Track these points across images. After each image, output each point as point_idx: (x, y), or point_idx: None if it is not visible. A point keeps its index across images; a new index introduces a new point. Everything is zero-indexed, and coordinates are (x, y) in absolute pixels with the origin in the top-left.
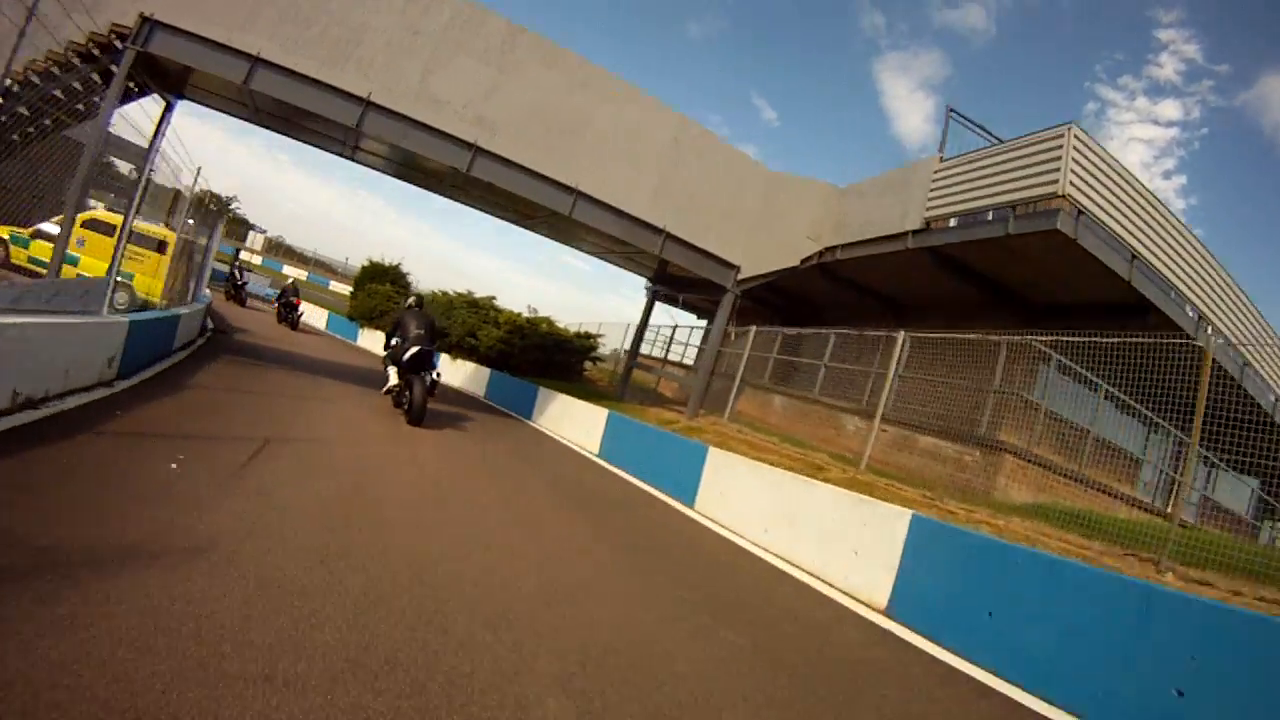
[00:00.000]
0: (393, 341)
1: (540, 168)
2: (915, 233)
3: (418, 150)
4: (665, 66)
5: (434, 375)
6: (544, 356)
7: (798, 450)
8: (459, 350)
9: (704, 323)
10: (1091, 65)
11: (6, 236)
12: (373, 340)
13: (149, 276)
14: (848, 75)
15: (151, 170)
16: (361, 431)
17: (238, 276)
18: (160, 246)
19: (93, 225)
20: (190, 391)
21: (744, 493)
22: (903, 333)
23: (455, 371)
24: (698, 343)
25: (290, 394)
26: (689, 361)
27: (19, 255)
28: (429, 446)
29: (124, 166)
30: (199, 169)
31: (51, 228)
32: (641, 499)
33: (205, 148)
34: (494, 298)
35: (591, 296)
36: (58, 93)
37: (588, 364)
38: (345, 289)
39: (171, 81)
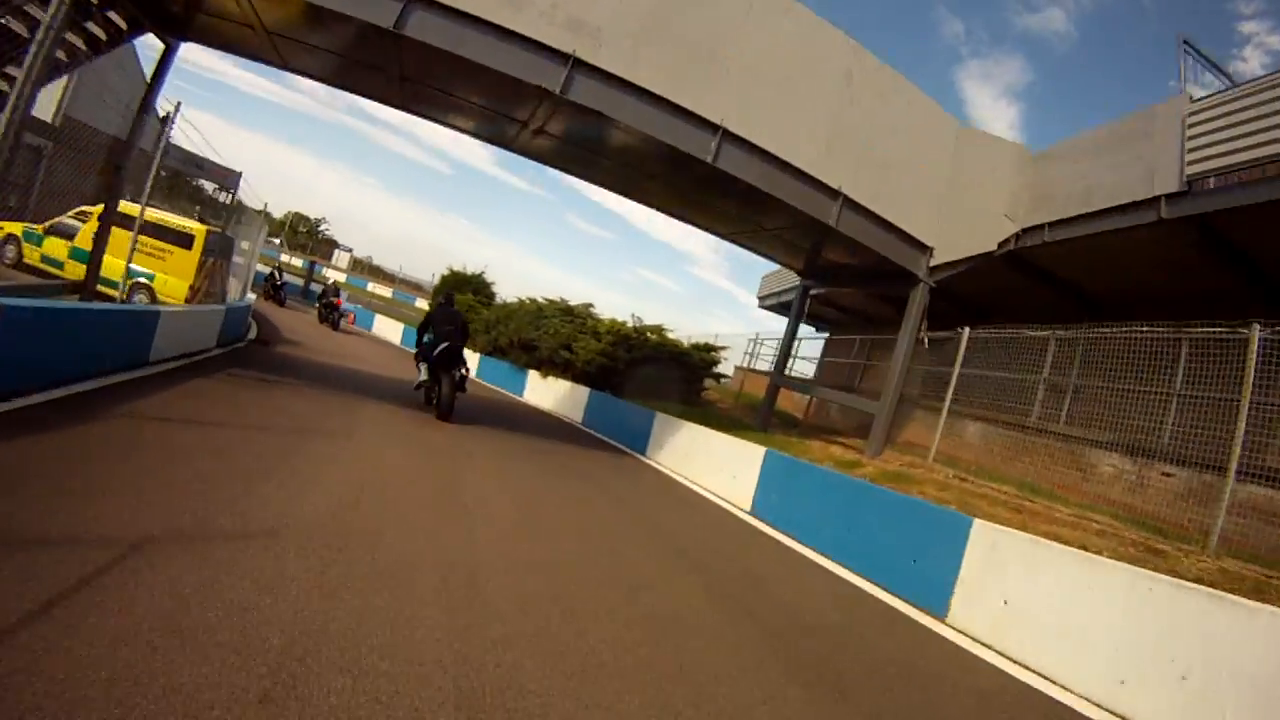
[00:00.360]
0: (425, 339)
1: (668, 93)
2: (1171, 197)
3: (486, 61)
4: None
5: (462, 371)
6: (656, 373)
7: (1073, 513)
8: (550, 366)
9: (822, 333)
10: (1174, 62)
11: (19, 233)
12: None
13: (175, 276)
14: (933, 87)
15: (169, 136)
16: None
17: (276, 278)
18: (186, 241)
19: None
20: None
21: (1060, 604)
22: (1256, 328)
23: (545, 391)
24: (814, 355)
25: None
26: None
27: (32, 254)
28: (510, 508)
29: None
30: (178, 104)
31: (72, 222)
32: (864, 614)
33: (295, 173)
34: (591, 305)
35: (683, 316)
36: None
37: (708, 383)
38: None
39: (172, 15)
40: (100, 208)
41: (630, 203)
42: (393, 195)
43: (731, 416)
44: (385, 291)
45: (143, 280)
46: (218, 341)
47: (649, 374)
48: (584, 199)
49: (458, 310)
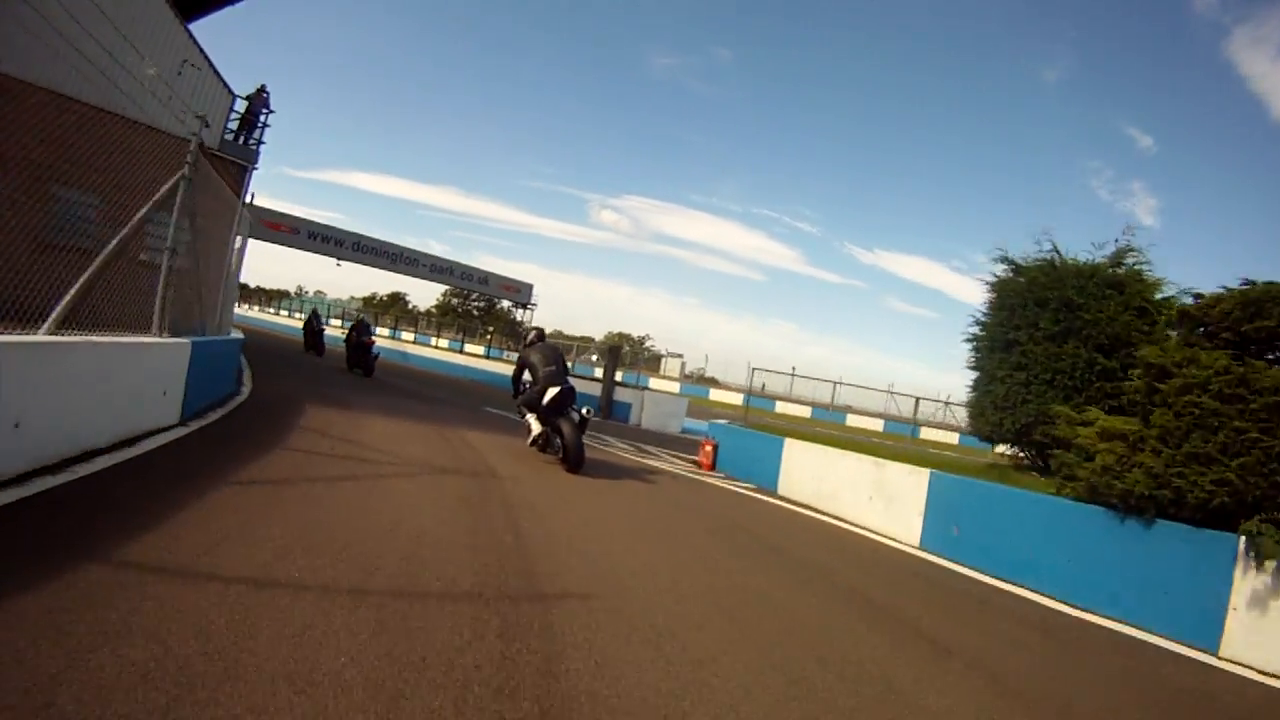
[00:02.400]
0: (523, 383)
1: None
2: None
3: None
4: (1023, 115)
5: (583, 411)
6: None
7: None
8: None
9: None
10: None
11: None
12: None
13: None
14: (1203, 69)
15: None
16: None
17: (315, 324)
18: None
19: None
20: None
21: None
22: None
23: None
24: None
25: None
26: None
27: None
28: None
29: None
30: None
31: None
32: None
33: (616, 302)
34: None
35: None
36: None
37: None
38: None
39: None
40: None
41: (949, 274)
42: (713, 309)
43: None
44: (734, 399)
45: None
46: (183, 412)
47: None
48: (899, 280)
49: (556, 346)
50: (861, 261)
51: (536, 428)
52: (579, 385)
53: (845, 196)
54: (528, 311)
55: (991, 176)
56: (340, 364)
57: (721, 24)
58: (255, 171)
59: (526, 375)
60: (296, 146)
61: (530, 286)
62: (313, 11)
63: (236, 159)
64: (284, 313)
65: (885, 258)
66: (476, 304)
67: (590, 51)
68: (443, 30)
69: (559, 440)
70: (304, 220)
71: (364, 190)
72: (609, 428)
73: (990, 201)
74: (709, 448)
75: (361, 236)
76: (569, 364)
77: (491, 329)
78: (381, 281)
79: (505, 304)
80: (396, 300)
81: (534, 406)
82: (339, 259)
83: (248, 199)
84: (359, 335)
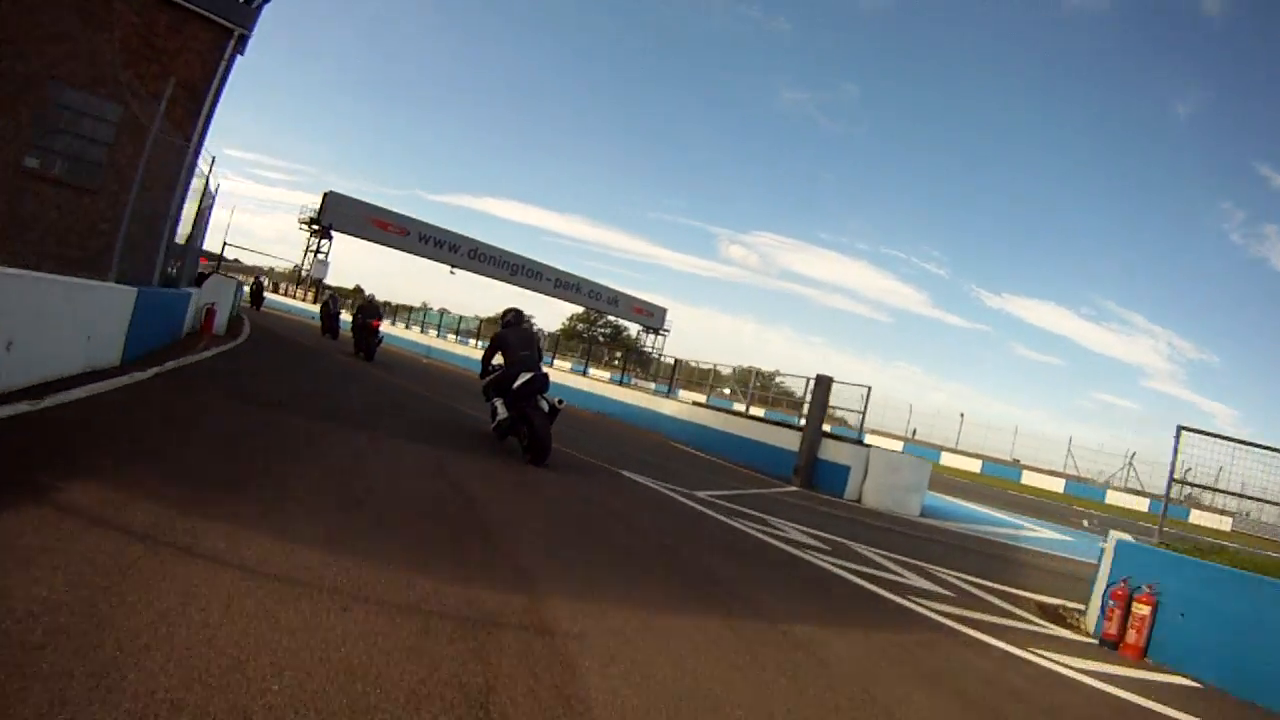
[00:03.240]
0: (493, 365)
1: None
2: None
3: None
4: (1151, 151)
5: (555, 401)
6: None
7: None
8: None
9: None
10: None
11: None
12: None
13: None
14: None
15: None
16: None
17: (331, 306)
18: None
19: None
20: None
21: None
22: None
23: None
24: None
25: None
26: None
27: None
28: None
29: None
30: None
31: None
32: None
33: (739, 331)
34: None
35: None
36: None
37: None
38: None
39: None
40: None
41: (1077, 320)
42: (838, 348)
43: None
44: (892, 445)
45: None
46: (124, 352)
47: None
48: (1027, 326)
49: (530, 330)
50: (988, 305)
51: (503, 412)
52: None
53: (973, 236)
54: (659, 338)
55: (1119, 216)
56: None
57: (850, 59)
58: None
59: (498, 358)
60: (433, 169)
61: (663, 310)
62: (451, 36)
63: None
64: (415, 328)
65: (1012, 301)
66: (602, 330)
67: (720, 84)
68: (573, 60)
69: (526, 429)
70: (415, 221)
71: (496, 216)
72: (818, 504)
73: (1118, 243)
74: (1143, 605)
75: (478, 243)
76: (542, 350)
77: (619, 355)
78: (507, 299)
79: (633, 330)
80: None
81: (503, 391)
82: (453, 266)
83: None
84: (364, 317)
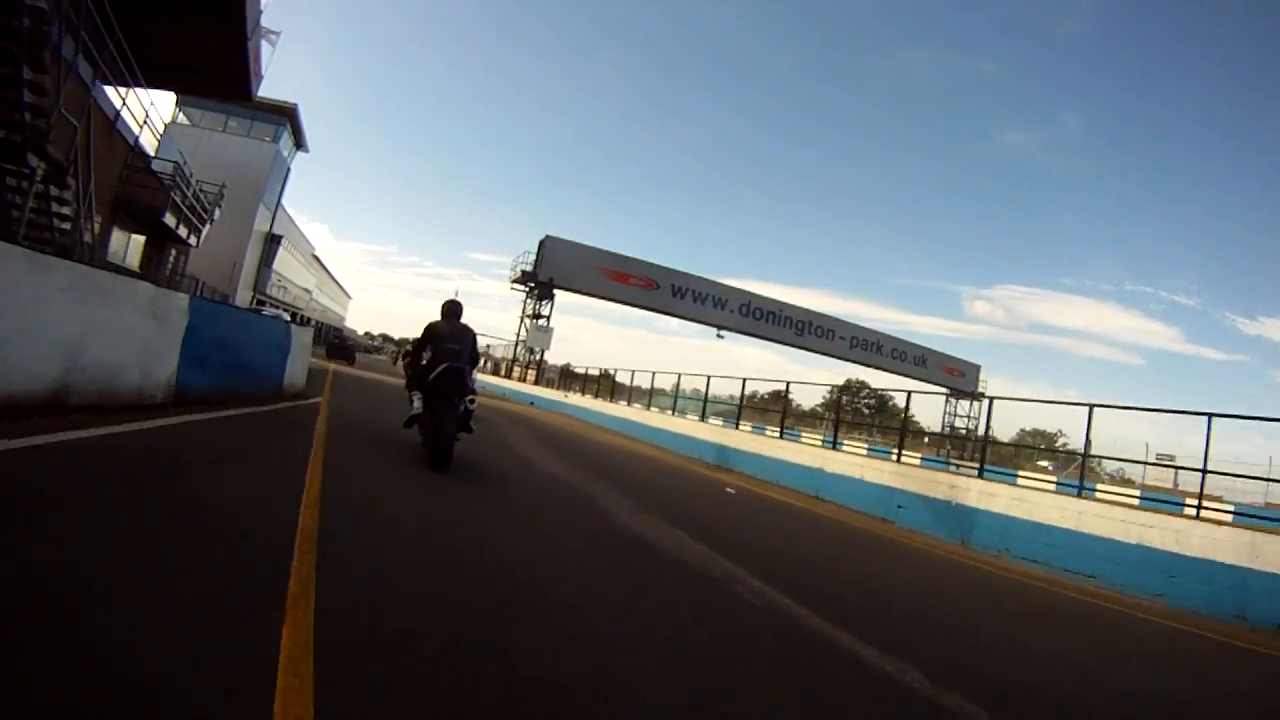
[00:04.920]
0: (423, 360)
1: None
2: None
3: None
4: None
5: (468, 403)
6: None
7: None
8: None
9: None
10: None
11: None
12: None
13: None
14: None
15: None
16: None
17: (337, 340)
18: None
19: None
20: None
21: None
22: None
23: None
24: None
25: None
26: None
27: None
28: None
29: None
30: None
31: None
32: None
33: (994, 390)
34: None
35: None
36: None
37: None
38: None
39: None
40: None
41: None
42: (1094, 398)
43: None
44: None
45: None
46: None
47: None
48: None
49: (467, 326)
50: (1244, 332)
51: (417, 406)
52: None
53: (1220, 260)
54: (969, 404)
55: None
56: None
57: (1062, 89)
58: None
59: (429, 353)
60: (663, 255)
61: (977, 368)
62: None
63: None
64: (654, 409)
65: (1271, 325)
66: (866, 401)
67: (939, 137)
68: (797, 133)
69: (433, 426)
70: (667, 270)
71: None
72: None
73: None
74: None
75: (753, 295)
76: (477, 353)
77: (887, 424)
78: (768, 368)
79: (897, 400)
80: (779, 399)
81: (420, 384)
82: (720, 328)
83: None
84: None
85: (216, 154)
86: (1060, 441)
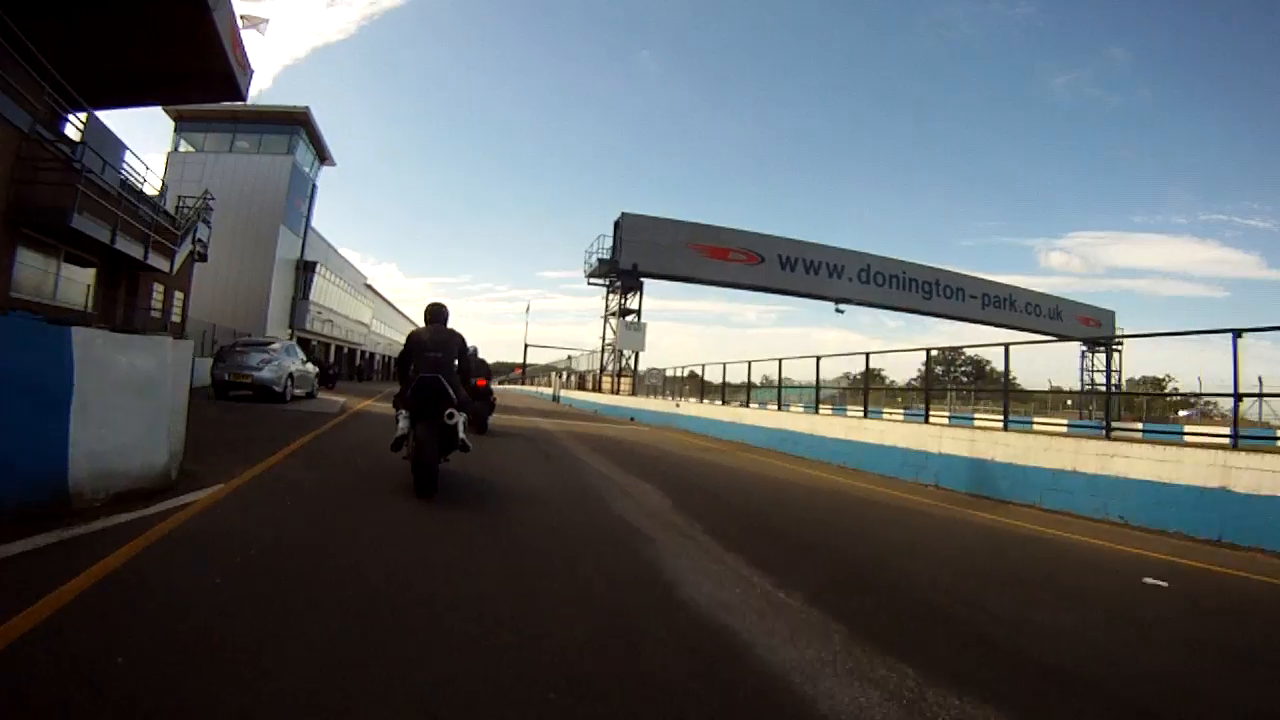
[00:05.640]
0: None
1: None
2: None
3: None
4: None
5: (446, 417)
6: None
7: None
8: None
9: None
10: None
11: None
12: None
13: None
14: None
15: None
16: None
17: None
18: None
19: None
20: None
21: None
22: None
23: None
24: None
25: None
26: None
27: None
28: None
29: None
30: None
31: None
32: None
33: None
34: None
35: None
36: None
37: None
38: None
39: None
40: None
41: None
42: (1183, 341)
43: None
44: None
45: None
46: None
47: None
48: None
49: (453, 331)
50: None
51: (403, 426)
52: None
53: None
54: (1100, 355)
55: None
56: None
57: (1104, 23)
58: None
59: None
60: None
61: (1111, 315)
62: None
63: None
64: (754, 405)
65: None
66: (964, 370)
67: (994, 86)
68: (851, 103)
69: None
70: (770, 239)
71: None
72: None
73: None
74: None
75: (871, 257)
76: (470, 357)
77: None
78: (847, 345)
79: (994, 364)
80: (872, 376)
81: (402, 400)
82: (839, 301)
83: None
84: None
85: (225, 178)
86: (1170, 386)
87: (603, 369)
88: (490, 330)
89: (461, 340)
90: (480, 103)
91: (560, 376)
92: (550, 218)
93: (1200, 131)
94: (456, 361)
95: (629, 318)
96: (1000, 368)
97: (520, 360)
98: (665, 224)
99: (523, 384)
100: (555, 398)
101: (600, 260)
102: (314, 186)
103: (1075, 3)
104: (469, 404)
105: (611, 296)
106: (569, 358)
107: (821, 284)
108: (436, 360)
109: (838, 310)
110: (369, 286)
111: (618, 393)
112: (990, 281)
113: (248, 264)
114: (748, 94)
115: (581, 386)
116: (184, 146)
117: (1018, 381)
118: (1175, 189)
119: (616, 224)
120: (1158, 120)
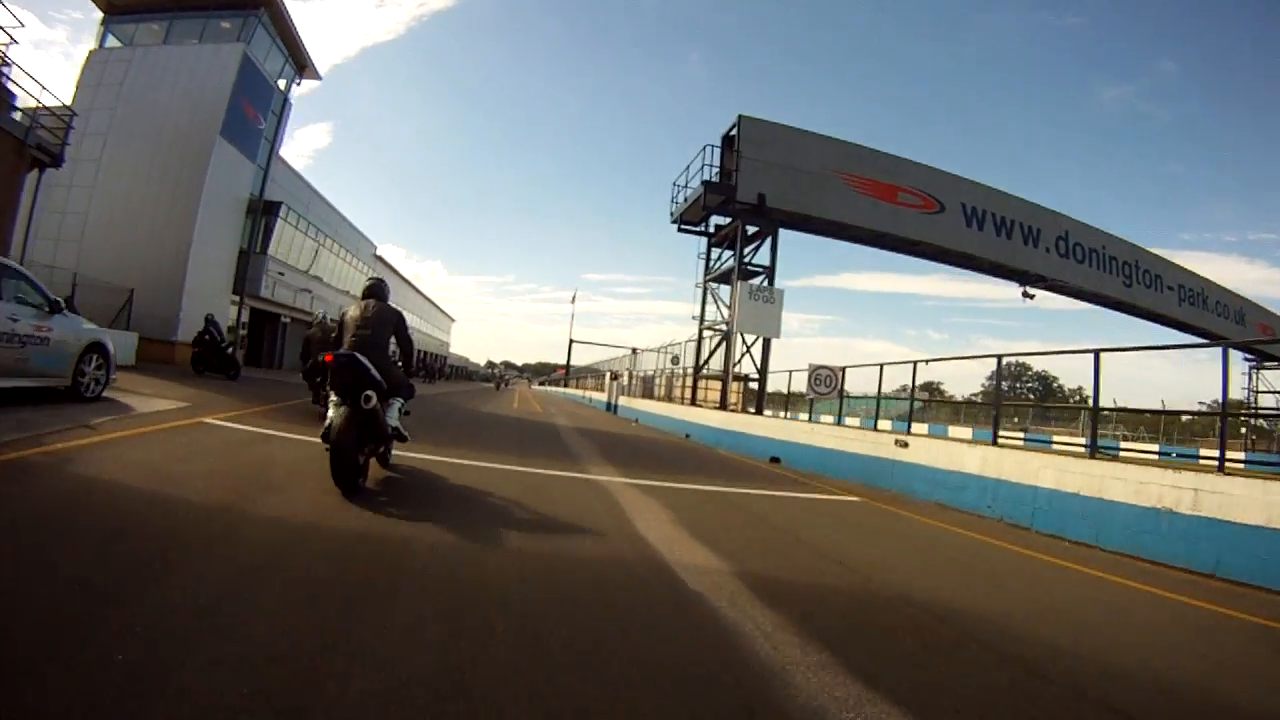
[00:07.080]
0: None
1: None
2: None
3: None
4: None
5: (364, 400)
6: None
7: None
8: None
9: None
10: None
11: None
12: None
13: None
14: None
15: None
16: None
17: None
18: None
19: None
20: None
21: None
22: None
23: None
24: None
25: None
26: None
27: None
28: None
29: None
30: None
31: None
32: None
33: (1122, 360)
34: None
35: None
36: None
37: None
38: None
39: None
40: None
41: None
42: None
43: None
44: None
45: None
46: None
47: None
48: None
49: (389, 306)
50: None
51: (330, 413)
52: None
53: None
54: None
55: None
56: None
57: (1154, 35)
58: None
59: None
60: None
61: None
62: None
63: None
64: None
65: None
66: (1030, 385)
67: (1041, 99)
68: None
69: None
70: (954, 179)
71: (855, 290)
72: None
73: None
74: None
75: (1071, 223)
76: (407, 336)
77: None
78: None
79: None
80: (931, 391)
81: (320, 382)
82: (1029, 281)
83: None
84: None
85: (152, 76)
86: None
87: (699, 367)
88: (535, 330)
89: (398, 317)
90: (527, 103)
91: (616, 380)
92: (596, 216)
93: (1249, 148)
94: (394, 340)
95: (755, 281)
96: None
97: (564, 360)
98: (805, 139)
99: (565, 385)
100: (612, 407)
101: (704, 188)
102: (286, 102)
103: (1122, 15)
104: (405, 387)
105: (714, 251)
106: (633, 351)
107: (1014, 251)
108: (363, 339)
109: (1026, 295)
110: (379, 258)
111: (726, 407)
112: (1182, 269)
113: (166, 195)
114: (796, 107)
115: (648, 394)
116: (111, 42)
117: None
118: (1223, 206)
119: (728, 136)
120: (1206, 134)
